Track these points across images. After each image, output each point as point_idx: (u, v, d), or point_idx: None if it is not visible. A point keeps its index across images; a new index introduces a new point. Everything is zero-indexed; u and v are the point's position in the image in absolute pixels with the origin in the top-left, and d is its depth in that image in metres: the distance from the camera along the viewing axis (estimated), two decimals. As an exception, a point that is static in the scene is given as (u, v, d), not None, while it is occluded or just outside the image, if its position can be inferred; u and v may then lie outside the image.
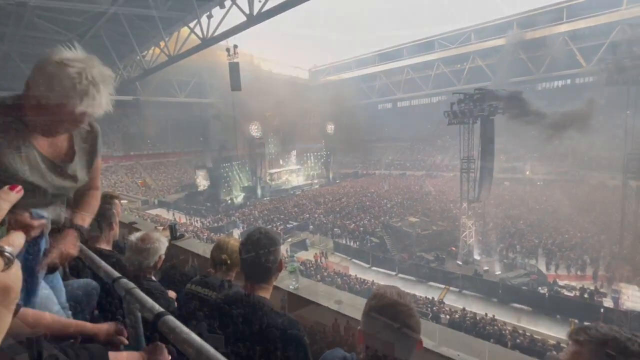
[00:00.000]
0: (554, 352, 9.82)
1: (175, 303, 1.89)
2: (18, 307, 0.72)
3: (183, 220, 27.12)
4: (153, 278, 1.96)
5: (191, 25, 21.69)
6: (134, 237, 1.95)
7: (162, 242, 1.97)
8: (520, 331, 11.54)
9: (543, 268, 16.87)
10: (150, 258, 1.90)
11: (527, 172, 33.62)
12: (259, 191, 34.46)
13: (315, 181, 42.09)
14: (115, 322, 1.16)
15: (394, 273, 17.77)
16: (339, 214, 26.25)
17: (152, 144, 42.46)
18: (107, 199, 2.15)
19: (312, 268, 17.32)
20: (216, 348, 0.85)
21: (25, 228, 0.88)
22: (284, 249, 18.05)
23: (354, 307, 2.56)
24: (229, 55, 29.06)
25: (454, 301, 14.88)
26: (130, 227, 4.42)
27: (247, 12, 17.43)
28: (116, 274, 1.28)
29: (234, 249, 1.95)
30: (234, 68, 28.34)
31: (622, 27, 31.51)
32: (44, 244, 1.03)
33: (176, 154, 44.18)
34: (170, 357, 1.06)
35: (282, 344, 1.25)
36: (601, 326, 0.86)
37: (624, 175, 16.02)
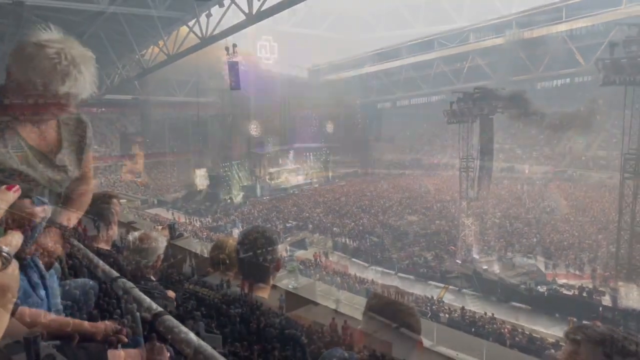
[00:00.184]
0: (553, 351, 9.81)
1: (174, 302, 1.88)
2: (16, 306, 0.72)
3: (182, 219, 27.08)
4: (152, 277, 1.95)
5: (190, 24, 21.63)
6: (133, 236, 1.94)
7: (161, 242, 1.97)
8: (519, 330, 11.56)
9: (542, 267, 16.89)
10: (149, 257, 1.89)
11: (526, 171, 33.67)
12: (258, 190, 34.41)
13: (315, 180, 42.03)
14: (114, 320, 1.16)
15: (393, 272, 17.78)
16: (338, 213, 26.27)
17: (151, 143, 42.30)
18: (106, 199, 2.14)
19: (311, 267, 17.35)
20: (214, 348, 0.85)
21: (29, 215, 0.87)
22: (283, 248, 18.06)
23: (352, 306, 2.57)
24: (228, 54, 28.94)
25: (453, 300, 14.93)
26: (129, 226, 4.41)
27: (247, 10, 17.39)
28: (115, 273, 1.28)
29: (232, 249, 1.94)
30: (233, 67, 28.23)
31: (620, 26, 31.49)
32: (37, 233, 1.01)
33: (175, 154, 44.03)
34: (168, 356, 1.06)
35: (280, 343, 1.25)
36: (598, 325, 0.86)
37: (622, 175, 16.04)
